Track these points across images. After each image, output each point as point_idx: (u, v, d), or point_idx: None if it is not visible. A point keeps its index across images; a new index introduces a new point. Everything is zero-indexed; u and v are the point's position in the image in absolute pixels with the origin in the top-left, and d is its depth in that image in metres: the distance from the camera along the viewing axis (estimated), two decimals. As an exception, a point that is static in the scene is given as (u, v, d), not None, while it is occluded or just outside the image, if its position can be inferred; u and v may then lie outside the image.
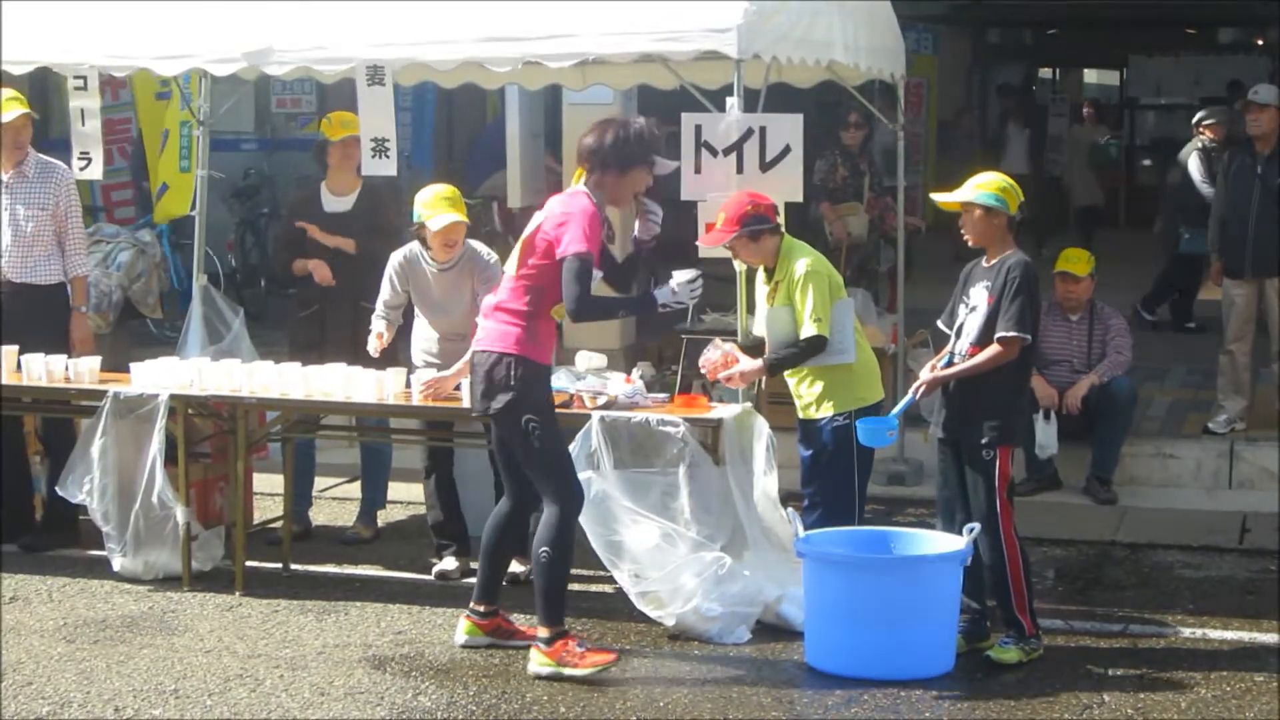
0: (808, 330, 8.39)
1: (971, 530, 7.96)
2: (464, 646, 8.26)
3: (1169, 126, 28.80)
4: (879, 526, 8.85)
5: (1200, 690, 7.77)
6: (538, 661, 7.89)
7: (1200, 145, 15.39)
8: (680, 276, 7.91)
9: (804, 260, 8.48)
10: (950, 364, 8.16)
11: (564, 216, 7.81)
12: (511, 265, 8.00)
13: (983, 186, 8.14)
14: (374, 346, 9.41)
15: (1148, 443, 11.72)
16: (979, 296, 8.08)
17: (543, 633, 7.91)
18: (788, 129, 9.44)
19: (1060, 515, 10.78)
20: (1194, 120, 15.91)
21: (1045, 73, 32.94)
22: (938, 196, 8.38)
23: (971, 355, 8.08)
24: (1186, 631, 8.66)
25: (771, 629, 8.47)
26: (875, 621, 7.81)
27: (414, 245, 9.39)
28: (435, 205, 9.18)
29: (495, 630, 8.28)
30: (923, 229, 15.30)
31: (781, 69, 10.53)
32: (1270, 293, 11.78)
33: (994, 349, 8.01)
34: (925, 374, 8.25)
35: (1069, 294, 11.42)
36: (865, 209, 13.72)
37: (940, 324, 8.46)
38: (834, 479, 8.50)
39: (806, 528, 8.24)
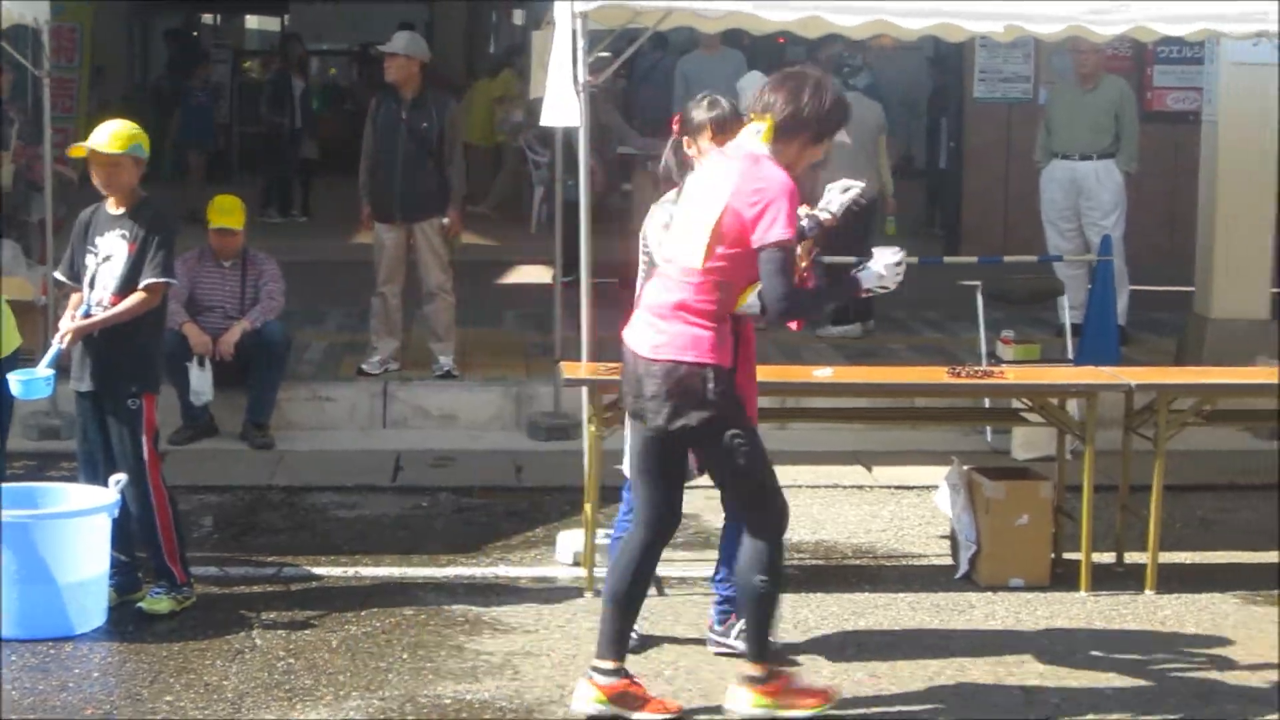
0: None
1: (119, 482, 7.88)
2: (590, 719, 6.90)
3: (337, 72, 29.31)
4: (25, 483, 8.57)
5: (351, 628, 7.93)
6: (751, 703, 6.83)
7: None
8: (885, 257, 6.72)
9: None
10: (89, 314, 8.00)
11: (758, 195, 6.52)
12: (695, 255, 6.62)
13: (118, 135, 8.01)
14: None
15: (303, 386, 11.87)
16: (115, 245, 7.96)
17: (756, 670, 6.81)
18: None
19: (217, 462, 10.82)
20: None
21: (208, 18, 32.87)
22: (81, 147, 8.13)
23: (115, 304, 7.96)
24: (339, 571, 8.83)
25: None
26: (19, 580, 7.61)
27: None
28: None
29: (621, 696, 6.84)
30: (75, 179, 14.99)
31: (-89, 12, 10.11)
32: (419, 236, 12.10)
33: (140, 296, 7.93)
34: (67, 323, 8.07)
35: (226, 244, 11.40)
36: (13, 157, 13.42)
37: (59, 274, 8.29)
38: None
39: (-49, 488, 7.95)
